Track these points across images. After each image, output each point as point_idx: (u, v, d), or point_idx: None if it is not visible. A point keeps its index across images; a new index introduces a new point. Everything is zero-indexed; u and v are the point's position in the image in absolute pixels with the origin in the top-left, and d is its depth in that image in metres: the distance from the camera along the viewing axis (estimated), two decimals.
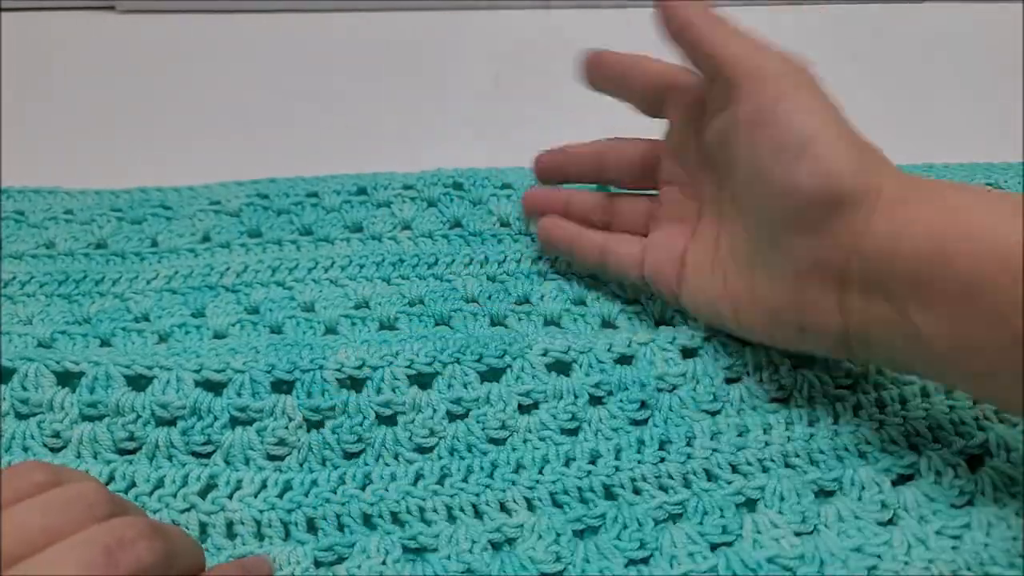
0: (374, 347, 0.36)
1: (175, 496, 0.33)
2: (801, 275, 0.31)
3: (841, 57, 0.55)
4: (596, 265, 0.40)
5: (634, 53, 0.39)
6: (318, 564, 0.31)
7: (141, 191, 0.46)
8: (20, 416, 0.35)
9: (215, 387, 0.35)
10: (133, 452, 0.34)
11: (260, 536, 0.33)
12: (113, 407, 0.35)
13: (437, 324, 0.40)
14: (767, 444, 0.34)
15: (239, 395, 0.35)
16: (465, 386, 0.35)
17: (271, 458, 0.34)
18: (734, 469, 0.33)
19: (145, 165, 0.48)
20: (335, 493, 0.33)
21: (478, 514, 0.32)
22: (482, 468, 0.34)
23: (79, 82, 0.55)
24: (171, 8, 0.59)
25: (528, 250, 0.42)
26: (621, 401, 0.35)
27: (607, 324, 0.40)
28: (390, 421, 0.35)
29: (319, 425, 0.34)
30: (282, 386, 0.35)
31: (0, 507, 0.25)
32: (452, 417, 0.35)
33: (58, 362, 0.36)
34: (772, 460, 0.33)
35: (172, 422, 0.34)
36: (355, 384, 0.35)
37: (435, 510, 0.32)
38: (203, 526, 0.33)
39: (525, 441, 0.34)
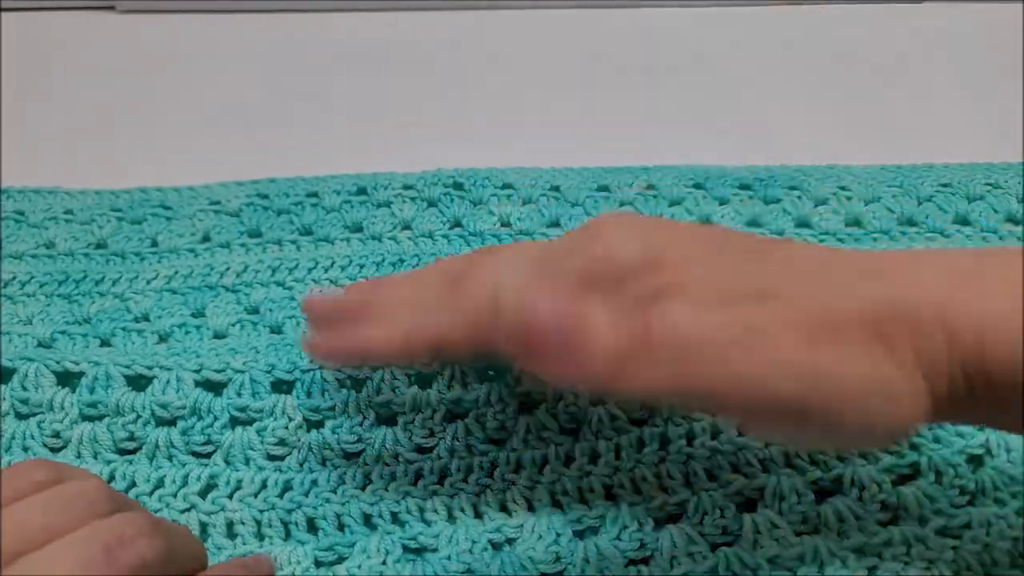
0: None
1: (175, 496, 0.33)
2: None
3: (841, 57, 0.55)
4: None
5: None
6: (318, 564, 0.31)
7: (141, 191, 0.46)
8: (20, 416, 0.35)
9: (215, 387, 0.35)
10: (133, 452, 0.35)
11: (260, 536, 0.33)
12: (113, 407, 0.35)
13: None
14: (767, 444, 0.34)
15: (239, 395, 0.35)
16: (465, 386, 0.35)
17: (271, 458, 0.34)
18: (735, 469, 0.33)
19: (145, 165, 0.48)
20: (335, 493, 0.33)
21: (478, 514, 0.32)
22: (482, 468, 0.34)
23: (79, 82, 0.55)
24: (171, 8, 0.59)
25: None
26: (621, 401, 0.35)
27: None
28: (390, 421, 0.35)
29: (319, 425, 0.34)
30: (282, 386, 0.35)
31: (0, 504, 0.26)
32: (452, 417, 0.35)
33: (58, 362, 0.36)
34: (773, 460, 0.33)
35: (172, 422, 0.34)
36: (355, 384, 0.35)
37: (435, 510, 0.32)
38: (203, 526, 0.33)
39: (525, 441, 0.34)
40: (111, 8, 0.59)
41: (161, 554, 0.26)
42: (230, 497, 0.33)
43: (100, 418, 0.35)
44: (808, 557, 0.30)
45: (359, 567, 0.31)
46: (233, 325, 0.40)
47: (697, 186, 0.45)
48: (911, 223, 0.43)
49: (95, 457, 0.34)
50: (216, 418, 0.34)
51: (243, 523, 0.33)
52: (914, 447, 0.34)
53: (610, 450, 0.34)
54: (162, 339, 0.40)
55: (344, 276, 0.42)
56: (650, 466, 0.33)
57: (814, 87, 0.53)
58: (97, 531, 0.25)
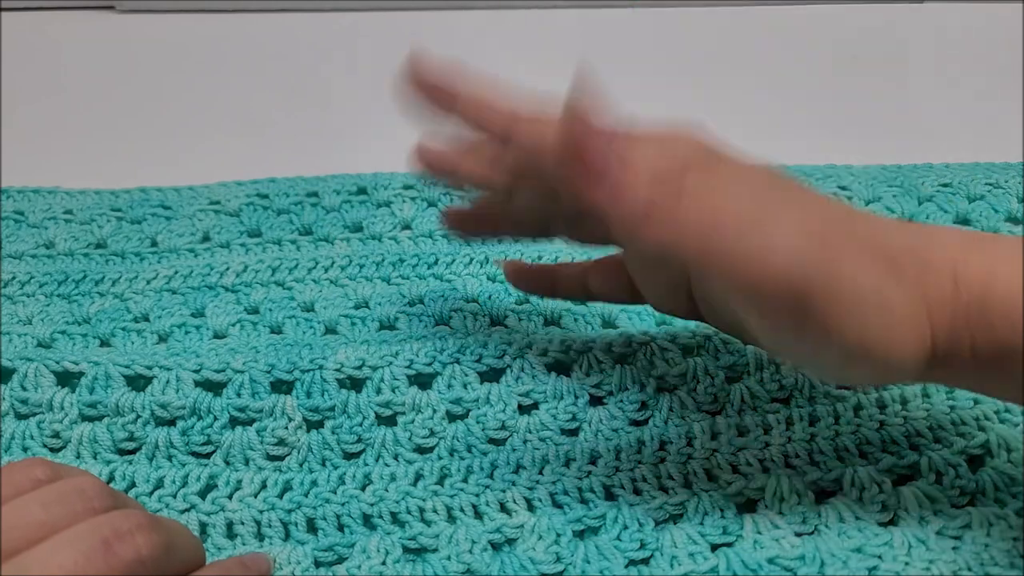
0: (374, 347, 0.36)
1: (175, 496, 0.33)
2: None
3: (841, 57, 0.55)
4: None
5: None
6: (318, 564, 0.31)
7: (141, 191, 0.46)
8: (20, 416, 0.35)
9: (215, 387, 0.35)
10: (133, 452, 0.34)
11: (260, 536, 0.32)
12: (113, 407, 0.34)
13: (437, 324, 0.40)
14: (767, 444, 0.34)
15: (239, 395, 0.35)
16: (465, 386, 0.35)
17: (271, 458, 0.34)
18: (734, 469, 0.33)
19: (145, 165, 0.49)
20: (335, 493, 0.33)
21: (478, 514, 0.32)
22: (482, 468, 0.34)
23: (79, 82, 0.55)
24: (171, 8, 0.59)
25: (528, 250, 0.42)
26: (621, 401, 0.35)
27: (607, 324, 0.40)
28: (390, 421, 0.34)
29: (319, 425, 0.34)
30: (281, 386, 0.35)
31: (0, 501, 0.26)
32: (452, 417, 0.35)
33: (58, 362, 0.36)
34: (772, 460, 0.33)
35: (172, 422, 0.34)
36: (355, 384, 0.35)
37: (435, 510, 0.32)
38: (203, 526, 0.33)
39: (525, 441, 0.34)
40: (111, 8, 0.59)
41: (159, 549, 0.26)
42: (230, 497, 0.33)
43: (100, 418, 0.35)
44: (808, 557, 0.30)
45: (359, 567, 0.31)
46: (233, 325, 0.40)
47: None
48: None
49: (95, 457, 0.34)
50: (216, 418, 0.34)
51: (243, 523, 0.33)
52: (914, 447, 0.34)
53: (610, 451, 0.34)
54: (162, 339, 0.40)
55: (344, 276, 0.42)
56: (650, 467, 0.33)
57: (814, 87, 0.53)
58: (95, 526, 0.25)
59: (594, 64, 0.51)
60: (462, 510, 0.32)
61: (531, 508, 0.33)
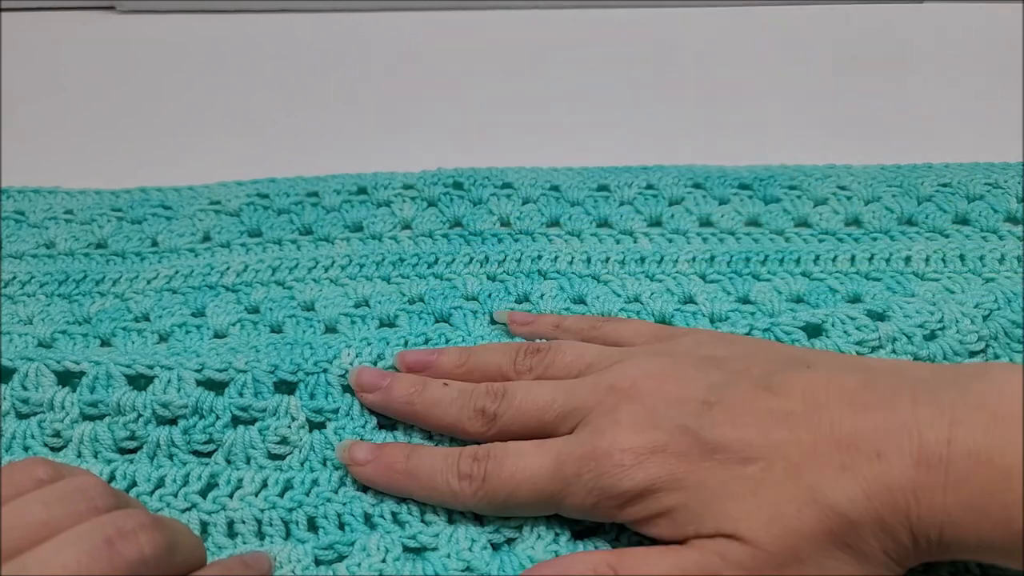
0: (377, 349, 0.36)
1: (176, 495, 0.33)
2: None
3: (841, 57, 0.55)
4: None
5: None
6: (318, 562, 0.31)
7: (141, 191, 0.46)
8: (20, 416, 0.35)
9: (217, 386, 0.35)
10: (134, 451, 0.35)
11: (261, 535, 0.33)
12: (114, 406, 0.35)
13: (437, 322, 0.40)
14: None
15: (241, 395, 0.35)
16: None
17: (272, 457, 0.34)
18: None
19: (145, 165, 0.49)
20: (336, 493, 0.33)
21: (477, 515, 0.32)
22: None
23: (79, 82, 0.55)
24: (171, 8, 0.59)
25: (528, 250, 0.42)
26: None
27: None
28: (392, 426, 0.35)
29: (321, 426, 0.34)
30: (284, 387, 0.35)
31: (1, 500, 0.26)
32: None
33: (58, 361, 0.36)
34: None
35: (173, 421, 0.34)
36: None
37: (435, 510, 0.32)
38: (204, 525, 0.33)
39: None
40: (111, 8, 0.59)
41: (161, 548, 0.26)
42: (231, 496, 0.33)
43: (101, 417, 0.35)
44: None
45: (359, 566, 0.31)
46: (233, 325, 0.40)
47: (697, 186, 0.45)
48: (911, 223, 0.43)
49: (96, 456, 0.34)
50: (218, 417, 0.34)
51: (244, 522, 0.33)
52: None
53: None
54: (162, 339, 0.40)
55: (344, 275, 0.42)
56: None
57: (814, 87, 0.53)
58: (98, 526, 0.25)
59: (594, 64, 0.51)
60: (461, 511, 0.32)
61: None
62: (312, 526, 0.33)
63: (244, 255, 0.43)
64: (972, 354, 0.34)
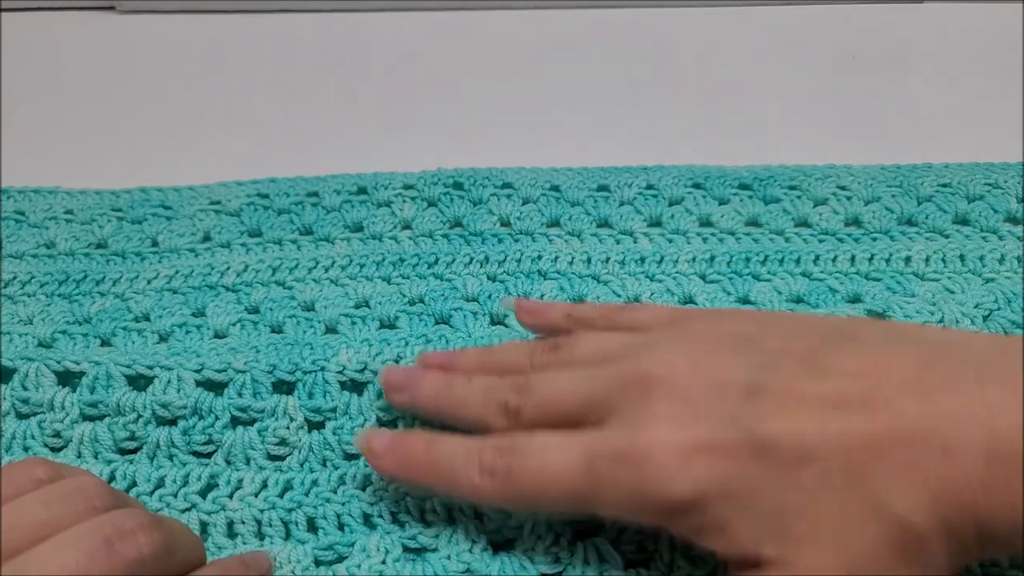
0: (375, 349, 0.36)
1: (176, 496, 0.33)
2: None
3: (841, 57, 0.55)
4: None
5: None
6: (318, 563, 0.31)
7: (141, 191, 0.46)
8: (20, 416, 0.35)
9: (216, 387, 0.35)
10: (134, 452, 0.35)
11: (260, 535, 0.33)
12: (114, 407, 0.35)
13: (437, 323, 0.40)
14: None
15: (240, 395, 0.35)
16: None
17: (272, 458, 0.34)
18: None
19: (145, 165, 0.49)
20: (335, 493, 0.33)
21: (477, 514, 0.32)
22: None
23: (79, 82, 0.55)
24: (171, 8, 0.59)
25: (528, 250, 0.42)
26: None
27: None
28: (391, 424, 0.35)
29: (320, 426, 0.34)
30: (283, 386, 0.35)
31: (0, 500, 0.26)
32: None
33: (59, 362, 0.36)
34: None
35: (173, 422, 0.34)
36: (356, 387, 0.35)
37: (434, 511, 0.32)
38: (204, 525, 0.33)
39: None
40: (111, 8, 0.59)
41: (160, 548, 0.26)
42: (231, 497, 0.33)
43: (101, 418, 0.35)
44: None
45: (359, 566, 0.31)
46: (233, 325, 0.40)
47: (697, 186, 0.45)
48: (911, 223, 0.43)
49: (96, 457, 0.34)
50: (217, 418, 0.34)
51: (243, 522, 0.33)
52: None
53: None
54: (162, 339, 0.40)
55: (344, 275, 0.42)
56: None
57: (814, 87, 0.53)
58: (97, 525, 0.25)
59: (594, 64, 0.51)
60: (462, 510, 0.32)
61: None
62: (312, 527, 0.33)
63: (244, 255, 0.43)
64: None
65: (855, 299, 0.40)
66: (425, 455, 0.30)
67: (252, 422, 0.34)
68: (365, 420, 0.34)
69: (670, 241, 0.43)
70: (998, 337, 0.30)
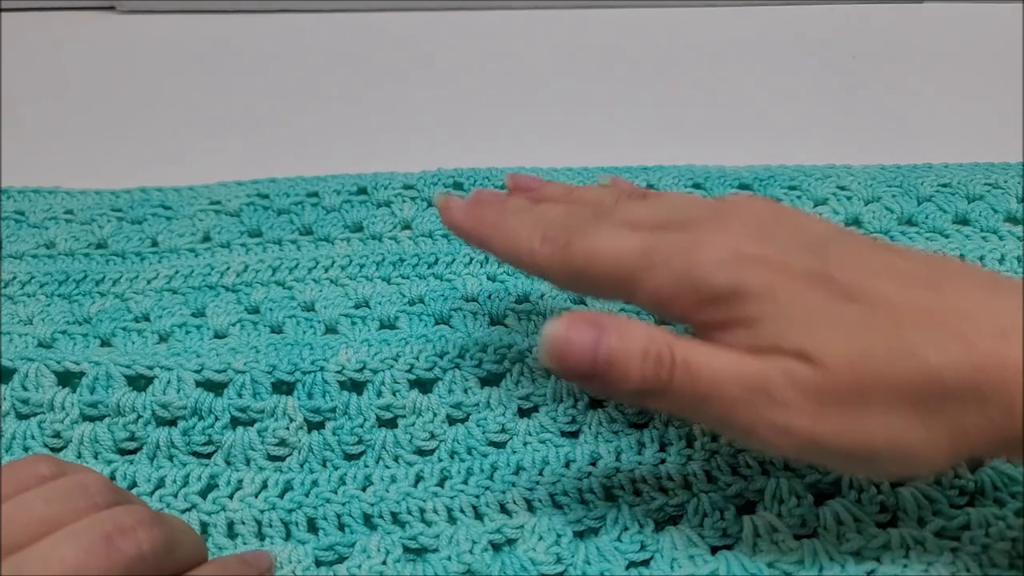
0: (375, 349, 0.36)
1: (176, 496, 0.33)
2: None
3: (841, 57, 0.55)
4: None
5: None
6: (319, 563, 0.31)
7: (141, 191, 0.46)
8: (20, 416, 0.35)
9: (216, 387, 0.35)
10: (134, 452, 0.35)
11: (261, 535, 0.33)
12: (114, 407, 0.35)
13: (437, 323, 0.40)
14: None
15: (240, 396, 0.35)
16: (465, 391, 0.35)
17: (272, 458, 0.34)
18: (734, 471, 0.33)
19: (145, 165, 0.49)
20: (336, 493, 0.33)
21: (478, 515, 0.32)
22: (482, 470, 0.34)
23: (79, 82, 0.55)
24: (171, 8, 0.59)
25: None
26: (621, 404, 0.35)
27: None
28: (391, 424, 0.35)
29: (320, 426, 0.34)
30: (282, 386, 0.35)
31: (2, 496, 0.26)
32: (452, 421, 0.35)
33: (58, 362, 0.36)
34: (772, 462, 0.33)
35: (173, 422, 0.34)
36: (356, 386, 0.35)
37: (435, 511, 0.32)
38: (204, 526, 0.33)
39: (525, 444, 0.34)
40: (111, 8, 0.59)
41: (161, 545, 0.26)
42: (231, 497, 0.33)
43: (101, 418, 0.35)
44: (807, 560, 0.30)
45: (359, 567, 0.31)
46: (233, 325, 0.40)
47: (697, 186, 0.45)
48: (911, 223, 0.43)
49: (96, 457, 0.34)
50: (217, 418, 0.34)
51: (243, 523, 0.33)
52: None
53: (610, 452, 0.34)
54: (162, 339, 0.40)
55: (344, 275, 0.42)
56: (649, 468, 0.34)
57: (814, 87, 0.53)
58: (97, 522, 0.26)
59: (594, 64, 0.51)
60: (462, 511, 0.33)
61: (531, 509, 0.33)
62: (312, 527, 0.33)
63: (244, 255, 0.43)
64: None
65: None
66: (497, 216, 0.31)
67: (252, 422, 0.34)
68: (364, 420, 0.34)
69: None
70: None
